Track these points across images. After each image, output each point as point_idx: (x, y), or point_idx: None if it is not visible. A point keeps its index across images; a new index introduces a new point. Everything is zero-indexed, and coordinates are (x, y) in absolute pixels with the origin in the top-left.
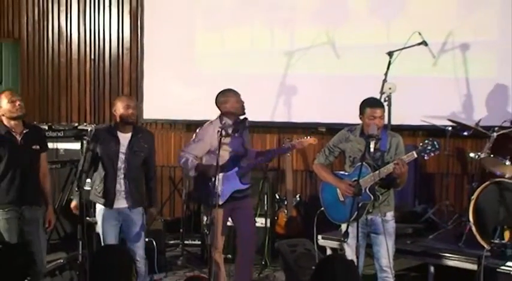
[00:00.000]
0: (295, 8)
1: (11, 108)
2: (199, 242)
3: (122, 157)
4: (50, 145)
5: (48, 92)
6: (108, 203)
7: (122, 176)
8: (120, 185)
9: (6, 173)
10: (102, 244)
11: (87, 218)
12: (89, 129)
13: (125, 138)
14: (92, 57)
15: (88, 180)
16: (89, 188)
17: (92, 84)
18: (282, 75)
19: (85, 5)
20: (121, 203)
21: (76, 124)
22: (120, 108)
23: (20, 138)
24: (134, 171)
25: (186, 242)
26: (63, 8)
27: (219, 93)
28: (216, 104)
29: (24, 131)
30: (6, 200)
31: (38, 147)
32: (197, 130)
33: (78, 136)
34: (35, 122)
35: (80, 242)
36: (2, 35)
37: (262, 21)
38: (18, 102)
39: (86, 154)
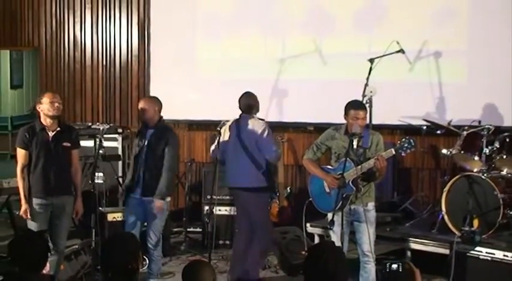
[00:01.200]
0: (286, 20)
1: (50, 107)
2: (200, 230)
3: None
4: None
5: (64, 95)
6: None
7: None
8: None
9: (37, 165)
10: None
11: (100, 208)
12: (101, 128)
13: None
14: (104, 63)
15: (100, 174)
16: (101, 181)
17: (104, 88)
18: (274, 79)
19: (98, 16)
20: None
21: (90, 124)
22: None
23: (51, 135)
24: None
25: (188, 229)
26: (78, 19)
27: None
28: None
29: (57, 129)
30: (38, 189)
31: (68, 144)
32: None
33: (91, 135)
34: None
35: (93, 230)
36: (23, 44)
37: (257, 32)
38: (56, 104)
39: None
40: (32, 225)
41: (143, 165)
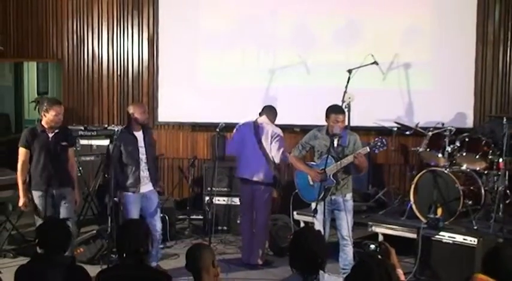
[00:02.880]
0: (276, 36)
1: (54, 119)
2: (202, 217)
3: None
4: (86, 142)
5: (84, 101)
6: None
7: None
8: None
9: (39, 162)
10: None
11: (114, 198)
12: (116, 129)
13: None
14: (118, 73)
15: None
16: None
17: (118, 94)
18: (265, 87)
19: (113, 32)
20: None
21: (106, 125)
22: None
23: (51, 136)
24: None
25: (191, 217)
26: (96, 35)
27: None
28: None
29: (56, 131)
30: (40, 182)
31: (65, 143)
32: None
33: (107, 135)
34: (74, 124)
35: (109, 217)
36: (48, 56)
37: (250, 46)
38: (60, 116)
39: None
40: (39, 221)
41: (146, 163)
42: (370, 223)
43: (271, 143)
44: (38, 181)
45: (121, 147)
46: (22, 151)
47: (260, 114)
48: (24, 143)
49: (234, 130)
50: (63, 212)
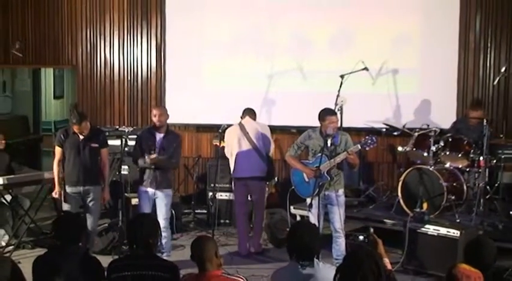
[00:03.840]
0: (274, 44)
1: (78, 132)
2: (206, 211)
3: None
4: None
5: (96, 104)
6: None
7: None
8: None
9: (70, 160)
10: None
11: (125, 194)
12: (126, 130)
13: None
14: (128, 78)
15: (125, 167)
16: (126, 173)
17: (128, 98)
18: (264, 91)
19: (123, 41)
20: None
21: (117, 127)
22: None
23: (81, 138)
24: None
25: (196, 211)
26: (107, 43)
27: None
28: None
29: (87, 134)
30: (71, 180)
31: (96, 145)
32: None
33: (118, 135)
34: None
35: (120, 211)
36: (64, 63)
37: (251, 53)
38: (84, 131)
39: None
40: (66, 206)
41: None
42: (361, 217)
43: (263, 140)
44: (68, 177)
45: (141, 145)
46: (57, 150)
47: (242, 117)
48: (58, 142)
49: (226, 140)
50: (89, 207)
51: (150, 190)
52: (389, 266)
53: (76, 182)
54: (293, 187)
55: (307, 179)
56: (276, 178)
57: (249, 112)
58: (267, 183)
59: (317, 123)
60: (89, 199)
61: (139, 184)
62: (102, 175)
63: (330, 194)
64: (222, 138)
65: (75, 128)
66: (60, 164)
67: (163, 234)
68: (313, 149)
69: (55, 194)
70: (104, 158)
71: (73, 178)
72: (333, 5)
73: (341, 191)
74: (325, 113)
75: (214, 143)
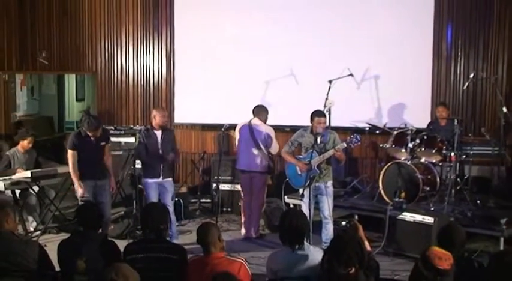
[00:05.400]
0: (270, 53)
1: (92, 135)
2: (210, 200)
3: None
4: (115, 139)
5: (113, 106)
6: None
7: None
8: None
9: (85, 159)
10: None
11: (139, 185)
12: (140, 129)
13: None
14: (142, 84)
15: (139, 160)
16: (140, 166)
17: (141, 101)
18: (262, 94)
19: (137, 51)
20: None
21: (131, 126)
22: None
23: (93, 139)
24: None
25: (201, 200)
26: (123, 53)
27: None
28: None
29: (98, 135)
30: (87, 175)
31: (104, 143)
32: None
33: (133, 133)
34: (106, 125)
35: (134, 201)
36: (85, 70)
37: (250, 61)
38: (95, 136)
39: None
40: (84, 198)
41: (162, 157)
42: (347, 205)
43: (266, 141)
44: (85, 173)
45: (145, 143)
46: (70, 153)
47: (253, 114)
48: (72, 146)
49: (236, 132)
50: (102, 198)
51: (157, 180)
52: (368, 248)
53: (92, 176)
54: (287, 179)
55: (299, 172)
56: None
57: (259, 111)
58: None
59: (307, 123)
60: (102, 190)
61: (146, 177)
62: (107, 167)
63: (320, 186)
64: (224, 136)
65: (91, 133)
66: (75, 165)
67: (171, 218)
68: (305, 145)
69: (81, 194)
70: (107, 153)
71: (89, 173)
72: (321, 21)
73: (330, 183)
74: (315, 115)
75: (234, 137)
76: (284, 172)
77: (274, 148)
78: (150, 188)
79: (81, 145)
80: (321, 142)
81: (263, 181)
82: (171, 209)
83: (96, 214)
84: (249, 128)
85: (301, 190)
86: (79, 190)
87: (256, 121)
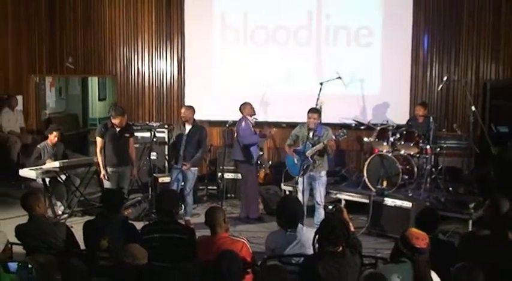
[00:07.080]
0: (270, 56)
1: (117, 125)
2: (216, 187)
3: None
4: None
5: (132, 105)
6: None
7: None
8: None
9: (109, 148)
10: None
11: (154, 174)
12: (154, 125)
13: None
14: (156, 85)
15: (154, 153)
16: (155, 158)
17: (156, 100)
18: (262, 94)
19: (152, 56)
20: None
21: (147, 122)
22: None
23: (117, 130)
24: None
25: (208, 187)
26: (140, 58)
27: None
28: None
29: (121, 127)
30: (111, 163)
31: (127, 135)
32: None
33: (148, 129)
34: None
35: (150, 187)
36: (106, 73)
37: (252, 65)
38: (121, 123)
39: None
40: (107, 184)
41: (184, 148)
42: (335, 191)
43: (241, 133)
44: (109, 160)
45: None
46: (98, 140)
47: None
48: (99, 134)
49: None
50: (123, 183)
51: (180, 167)
52: (352, 229)
53: (115, 163)
54: (287, 169)
55: (296, 162)
56: (269, 162)
57: (243, 107)
58: (258, 166)
59: (301, 120)
60: (124, 177)
61: (174, 163)
62: (130, 157)
63: (314, 175)
64: (228, 131)
65: (117, 120)
66: (102, 151)
67: (188, 201)
68: (302, 139)
69: (103, 177)
70: (132, 146)
71: (113, 160)
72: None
73: (323, 173)
74: (308, 112)
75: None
76: (280, 162)
77: (248, 140)
78: (172, 173)
79: (107, 134)
80: (315, 135)
81: (245, 169)
82: (190, 191)
83: (119, 199)
84: (236, 123)
85: (297, 178)
86: (102, 172)
87: (241, 116)
